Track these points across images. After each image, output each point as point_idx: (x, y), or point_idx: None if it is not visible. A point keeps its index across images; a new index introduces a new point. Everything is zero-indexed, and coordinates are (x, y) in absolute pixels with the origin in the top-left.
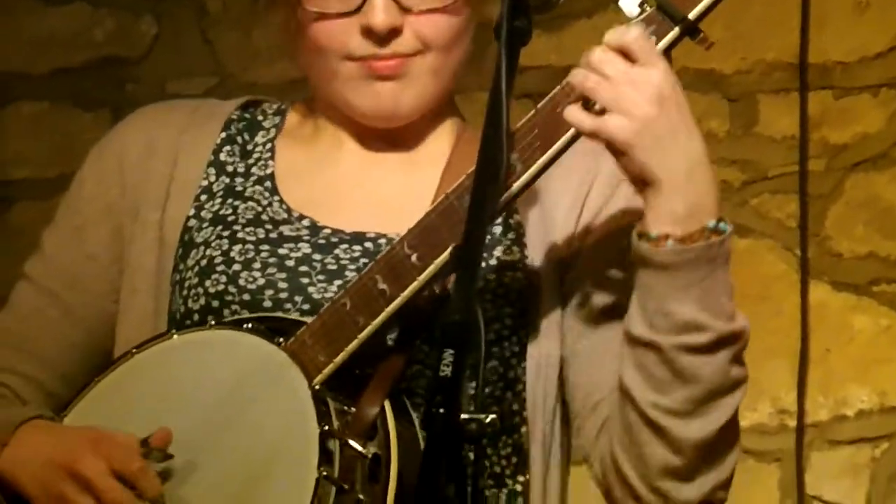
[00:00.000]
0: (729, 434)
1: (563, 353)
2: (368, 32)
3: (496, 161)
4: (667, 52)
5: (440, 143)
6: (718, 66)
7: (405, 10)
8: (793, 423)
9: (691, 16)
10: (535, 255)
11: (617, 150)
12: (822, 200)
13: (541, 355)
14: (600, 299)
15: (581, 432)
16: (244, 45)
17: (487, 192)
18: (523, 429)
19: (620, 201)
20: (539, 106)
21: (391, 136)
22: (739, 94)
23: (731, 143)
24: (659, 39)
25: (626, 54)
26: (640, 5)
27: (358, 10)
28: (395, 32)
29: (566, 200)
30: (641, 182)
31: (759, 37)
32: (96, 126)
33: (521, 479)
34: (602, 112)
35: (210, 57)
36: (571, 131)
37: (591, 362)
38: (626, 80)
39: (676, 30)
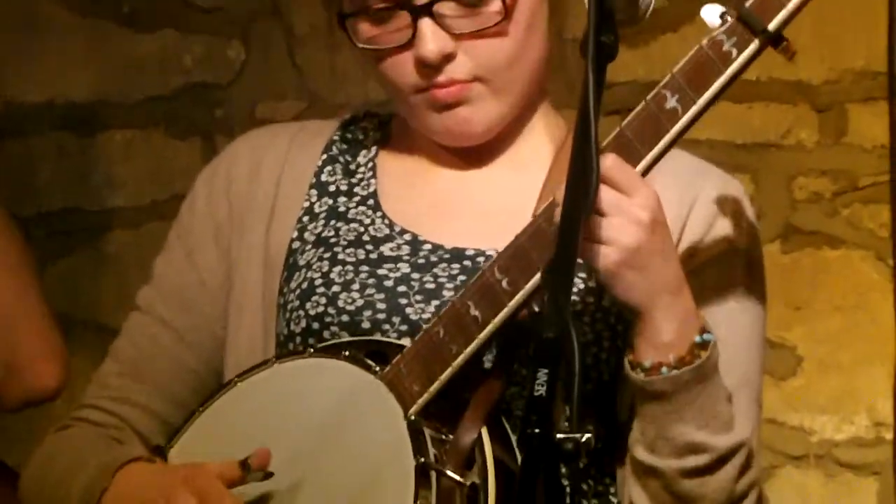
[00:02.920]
0: None
1: None
2: (422, 63)
3: (587, 177)
4: (747, 64)
5: (541, 149)
6: (806, 76)
7: (455, 37)
8: (889, 435)
9: (772, 26)
10: None
11: (605, 279)
12: None
13: None
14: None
15: None
16: (333, 67)
17: (579, 208)
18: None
19: (720, 228)
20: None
21: (487, 145)
22: (828, 104)
23: (822, 153)
24: (740, 50)
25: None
26: (722, 16)
27: (410, 42)
28: (448, 58)
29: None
30: (632, 311)
31: (847, 45)
32: (188, 152)
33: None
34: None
35: (299, 80)
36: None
37: None
38: (616, 209)
39: (757, 41)
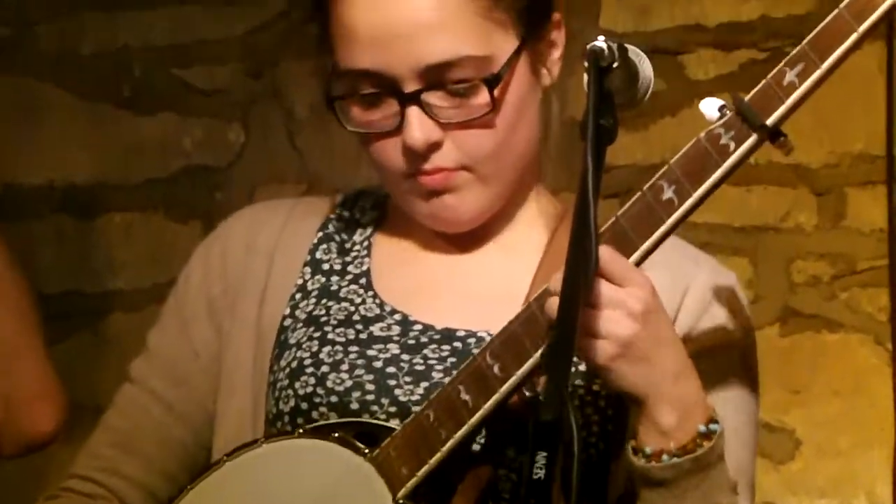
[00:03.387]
0: None
1: None
2: (409, 150)
3: (587, 260)
4: (745, 158)
5: (534, 233)
6: (805, 159)
7: (443, 126)
8: None
9: (770, 121)
10: None
11: (601, 369)
12: None
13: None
14: None
15: None
16: (332, 150)
17: (578, 290)
18: None
19: (713, 317)
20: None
21: (480, 229)
22: (827, 188)
23: (820, 236)
24: (738, 144)
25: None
26: (720, 109)
27: (398, 128)
28: (435, 147)
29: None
30: (631, 399)
31: (845, 129)
32: (188, 235)
33: None
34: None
35: (299, 162)
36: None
37: None
38: (610, 302)
39: (755, 136)
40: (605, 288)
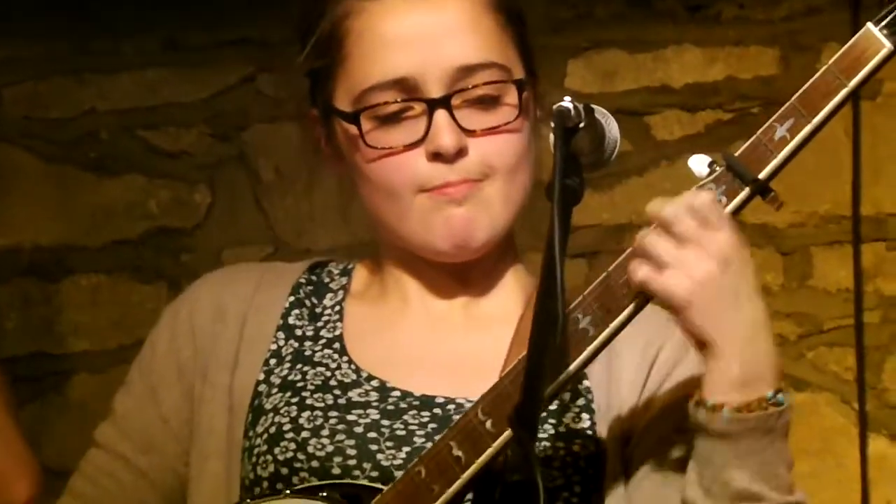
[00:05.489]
0: None
1: None
2: (436, 156)
3: (552, 321)
4: (735, 213)
5: (509, 302)
6: (772, 219)
7: (468, 132)
8: None
9: (762, 175)
10: (602, 422)
11: (674, 308)
12: (878, 352)
13: None
14: (659, 468)
15: None
16: (298, 212)
17: (544, 351)
18: None
19: (687, 369)
20: (610, 269)
21: (459, 289)
22: (793, 248)
23: (786, 296)
24: (729, 200)
25: (695, 217)
26: (710, 165)
27: (424, 137)
28: (461, 154)
29: (633, 364)
30: (699, 344)
31: (812, 190)
32: (153, 297)
33: None
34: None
35: (265, 225)
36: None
37: None
38: (692, 240)
39: (747, 190)
40: (694, 226)
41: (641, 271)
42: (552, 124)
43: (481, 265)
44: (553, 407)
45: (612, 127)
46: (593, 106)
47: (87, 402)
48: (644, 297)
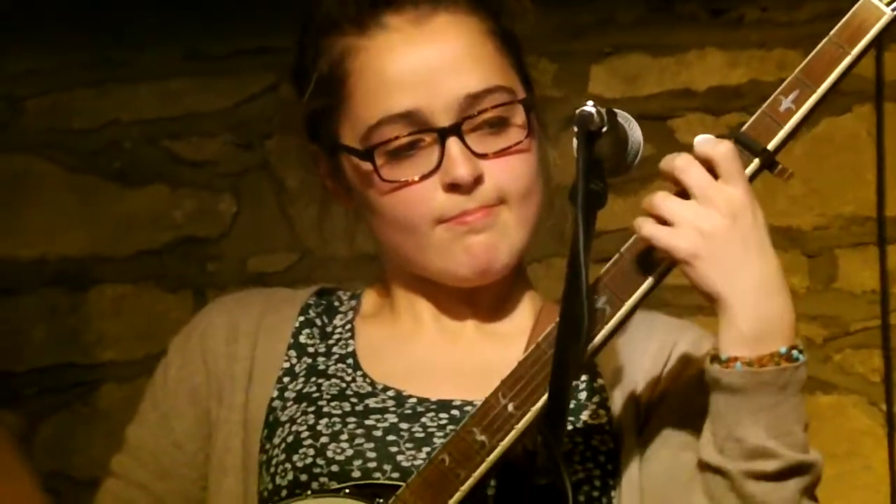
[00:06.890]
0: None
1: None
2: (453, 187)
3: (577, 327)
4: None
5: (520, 318)
6: (796, 222)
7: (480, 157)
8: None
9: (771, 146)
10: (618, 418)
11: (681, 261)
12: None
13: None
14: (675, 436)
15: None
16: (323, 220)
17: (569, 356)
18: None
19: (698, 367)
20: (623, 249)
21: (470, 311)
22: (818, 250)
23: (812, 299)
24: None
25: (710, 166)
26: None
27: (437, 167)
28: (478, 182)
29: (646, 363)
30: (710, 298)
31: (836, 192)
32: (179, 306)
33: None
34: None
35: (290, 233)
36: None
37: None
38: (703, 192)
39: (756, 161)
40: (701, 179)
41: (647, 225)
42: (575, 129)
43: (493, 285)
44: (571, 406)
45: (634, 131)
46: (616, 110)
47: (114, 411)
48: (658, 273)
